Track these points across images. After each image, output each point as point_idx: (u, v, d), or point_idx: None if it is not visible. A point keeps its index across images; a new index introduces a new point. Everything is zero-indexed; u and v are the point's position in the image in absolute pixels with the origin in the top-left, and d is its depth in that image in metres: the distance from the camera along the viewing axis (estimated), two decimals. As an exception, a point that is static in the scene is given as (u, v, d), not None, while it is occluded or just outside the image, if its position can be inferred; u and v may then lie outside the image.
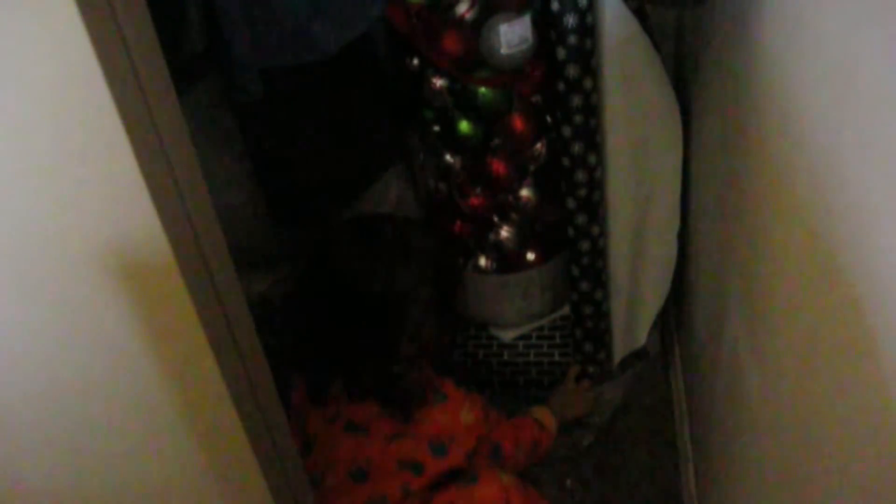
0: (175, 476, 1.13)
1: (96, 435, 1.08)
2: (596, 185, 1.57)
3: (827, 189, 0.78)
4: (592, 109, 1.48)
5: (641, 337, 1.89)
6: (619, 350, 1.89)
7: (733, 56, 1.26)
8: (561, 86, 1.45)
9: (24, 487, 1.16)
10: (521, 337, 2.01)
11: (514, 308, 1.96)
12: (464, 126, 1.68)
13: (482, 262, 1.88)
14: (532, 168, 1.72)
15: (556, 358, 1.96)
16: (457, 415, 1.54)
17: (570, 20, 1.38)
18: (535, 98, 1.64)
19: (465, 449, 1.52)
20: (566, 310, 1.96)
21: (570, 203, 1.59)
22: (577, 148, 1.51)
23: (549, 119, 1.66)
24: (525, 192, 1.75)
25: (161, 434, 1.07)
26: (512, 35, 1.49)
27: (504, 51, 1.50)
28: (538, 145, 1.69)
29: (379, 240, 1.57)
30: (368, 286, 1.50)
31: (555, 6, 1.38)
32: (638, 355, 1.95)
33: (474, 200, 1.79)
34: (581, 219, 1.61)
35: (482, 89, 1.60)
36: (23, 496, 1.16)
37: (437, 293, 1.59)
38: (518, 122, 1.64)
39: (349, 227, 1.65)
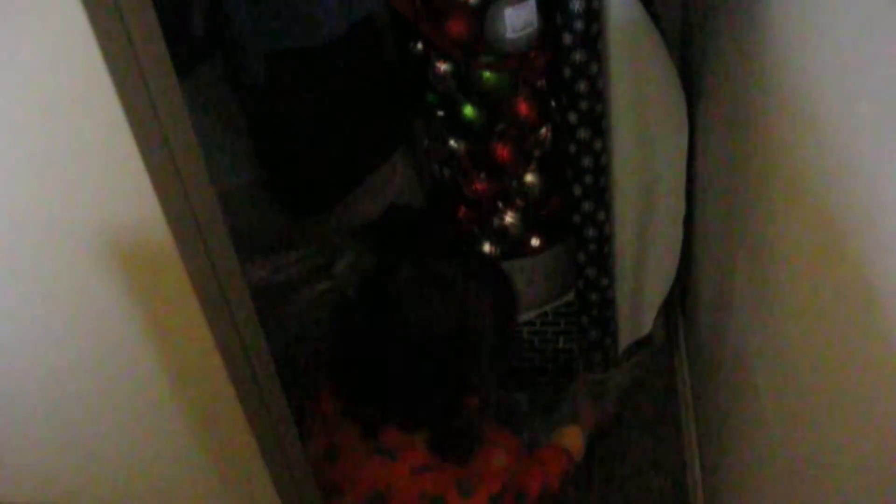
0: (175, 462, 1.13)
1: (95, 423, 1.07)
2: (602, 171, 1.56)
3: (835, 170, 0.78)
4: (598, 95, 1.47)
5: (647, 324, 1.88)
6: (625, 337, 1.88)
7: (740, 38, 1.25)
8: (567, 71, 1.44)
9: (23, 476, 1.15)
10: (526, 323, 2.00)
11: (518, 294, 1.95)
12: (468, 111, 1.67)
13: (486, 247, 1.87)
14: (537, 153, 1.71)
15: (561, 345, 1.95)
16: (490, 458, 1.51)
17: (577, 5, 1.36)
18: (540, 83, 1.63)
19: (491, 492, 1.50)
20: (571, 296, 1.95)
21: (577, 189, 1.58)
22: (583, 134, 1.50)
23: (553, 104, 1.64)
24: (530, 178, 1.74)
25: (161, 423, 1.06)
26: (517, 19, 1.47)
27: (509, 35, 1.49)
28: (543, 130, 1.67)
29: (451, 281, 1.55)
30: (443, 330, 1.48)
31: (561, -10, 1.37)
32: (643, 342, 1.95)
33: (478, 186, 1.78)
34: (587, 205, 1.60)
35: (487, 74, 1.59)
36: (21, 486, 1.16)
37: (502, 337, 1.57)
38: (523, 107, 1.63)
39: (415, 264, 1.61)
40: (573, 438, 1.68)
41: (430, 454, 1.48)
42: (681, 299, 2.00)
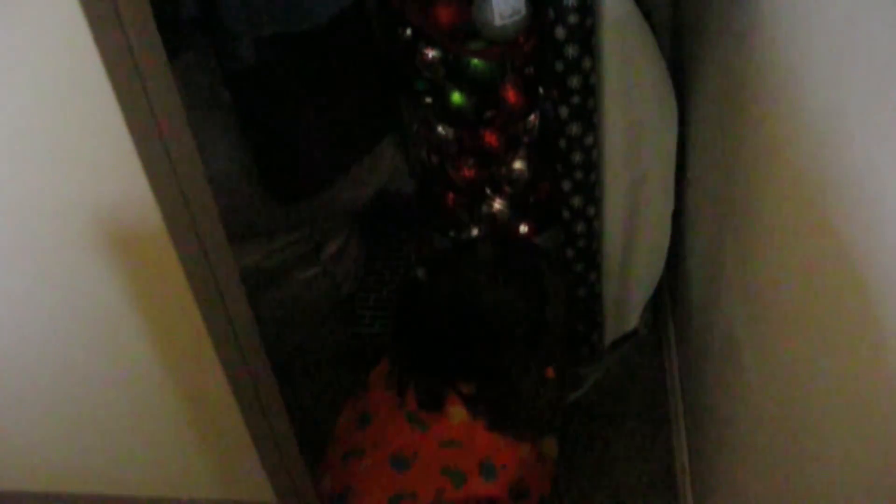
0: (164, 443, 1.13)
1: (85, 406, 1.07)
2: (593, 166, 1.56)
3: (825, 162, 0.78)
4: (591, 90, 1.47)
5: (633, 319, 1.89)
6: (611, 332, 1.89)
7: (730, 33, 1.25)
8: (559, 66, 1.44)
9: (17, 454, 1.15)
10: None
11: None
12: (456, 97, 1.67)
13: (475, 234, 1.87)
14: (525, 140, 1.71)
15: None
16: (518, 448, 1.52)
17: (570, -1, 1.37)
18: (528, 70, 1.63)
19: (510, 479, 1.51)
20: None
21: (566, 185, 1.58)
22: (574, 129, 1.50)
23: (542, 91, 1.65)
24: (518, 165, 1.74)
25: (151, 404, 1.06)
26: (505, 6, 1.47)
27: (497, 22, 1.49)
28: (531, 117, 1.67)
29: (530, 262, 1.56)
30: (525, 309, 1.49)
31: (554, -17, 1.36)
32: (628, 337, 1.96)
33: (467, 172, 1.78)
34: (577, 200, 1.60)
35: (475, 61, 1.59)
36: (15, 462, 1.16)
37: (567, 322, 1.59)
38: (511, 94, 1.62)
39: (488, 251, 1.63)
40: (549, 446, 1.70)
41: (463, 430, 1.49)
42: (670, 292, 2.01)
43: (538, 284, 1.53)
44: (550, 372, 1.57)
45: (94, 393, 1.05)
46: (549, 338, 1.54)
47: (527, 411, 1.54)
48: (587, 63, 1.43)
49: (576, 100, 1.47)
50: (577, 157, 1.54)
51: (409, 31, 1.65)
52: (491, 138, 1.70)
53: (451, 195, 1.87)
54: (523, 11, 1.49)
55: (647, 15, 1.51)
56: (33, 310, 0.96)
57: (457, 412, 1.49)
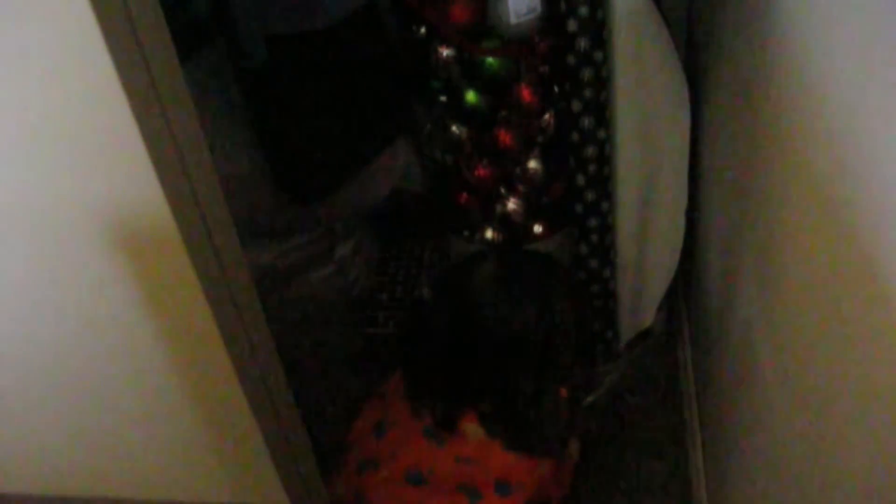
0: (176, 447, 1.13)
1: (96, 407, 1.07)
2: (606, 160, 1.55)
3: (844, 155, 0.77)
4: (603, 83, 1.46)
5: (648, 317, 1.88)
6: (626, 331, 1.88)
7: (746, 25, 1.24)
8: (571, 59, 1.43)
9: (28, 458, 1.15)
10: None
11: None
12: (471, 96, 1.66)
13: (489, 234, 1.87)
14: (540, 139, 1.70)
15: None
16: (535, 465, 1.51)
17: (582, -9, 1.36)
18: (543, 69, 1.62)
19: (526, 497, 1.49)
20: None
21: (580, 179, 1.58)
22: (587, 122, 1.50)
23: (556, 90, 1.64)
24: (532, 164, 1.73)
25: (163, 407, 1.06)
26: (520, 4, 1.46)
27: (512, 20, 1.48)
28: (546, 116, 1.67)
29: (535, 279, 1.55)
30: (531, 327, 1.48)
31: (565, -24, 1.35)
32: (643, 335, 1.94)
33: (481, 172, 1.77)
34: (591, 195, 1.59)
35: (489, 59, 1.58)
36: (26, 465, 1.16)
37: (580, 338, 1.57)
38: (526, 93, 1.62)
39: (493, 267, 1.61)
40: (571, 446, 1.69)
41: (480, 447, 1.48)
42: (684, 290, 2.00)
43: (546, 302, 1.51)
44: (564, 392, 1.56)
45: (105, 396, 1.05)
46: (559, 358, 1.52)
47: (541, 433, 1.53)
48: (599, 55, 1.42)
49: (588, 93, 1.46)
50: (589, 151, 1.53)
51: (423, 30, 1.65)
52: (505, 138, 1.69)
53: (464, 195, 1.86)
54: (539, 10, 1.48)
55: (661, 7, 1.49)
56: (45, 312, 0.96)
57: (473, 430, 1.48)
